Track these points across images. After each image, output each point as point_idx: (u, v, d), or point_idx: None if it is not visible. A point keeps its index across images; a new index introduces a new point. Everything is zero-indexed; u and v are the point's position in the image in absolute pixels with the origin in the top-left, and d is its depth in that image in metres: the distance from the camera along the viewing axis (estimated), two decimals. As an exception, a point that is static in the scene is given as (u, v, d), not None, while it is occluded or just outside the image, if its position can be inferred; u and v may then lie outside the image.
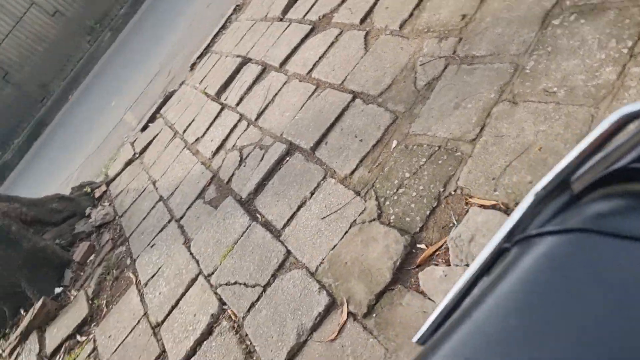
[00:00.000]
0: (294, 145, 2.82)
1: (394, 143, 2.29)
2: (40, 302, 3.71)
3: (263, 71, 3.75)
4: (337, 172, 2.43)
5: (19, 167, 9.80)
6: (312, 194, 2.46)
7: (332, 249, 2.14)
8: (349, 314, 1.89)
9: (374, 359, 1.71)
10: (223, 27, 5.22)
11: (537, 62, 2.02)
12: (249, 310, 2.28)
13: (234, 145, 3.34)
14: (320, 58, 3.23)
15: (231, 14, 5.28)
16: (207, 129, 3.81)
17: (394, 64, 2.66)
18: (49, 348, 3.40)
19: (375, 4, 3.21)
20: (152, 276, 3.05)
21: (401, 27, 2.84)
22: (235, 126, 3.49)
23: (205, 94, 4.28)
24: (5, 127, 11.15)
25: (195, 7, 7.10)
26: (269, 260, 2.38)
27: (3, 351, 3.84)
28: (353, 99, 2.70)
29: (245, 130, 3.35)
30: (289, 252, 2.32)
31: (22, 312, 4.01)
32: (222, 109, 3.84)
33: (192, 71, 5.16)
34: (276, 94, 3.36)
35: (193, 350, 2.38)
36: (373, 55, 2.84)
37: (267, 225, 2.56)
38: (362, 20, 3.17)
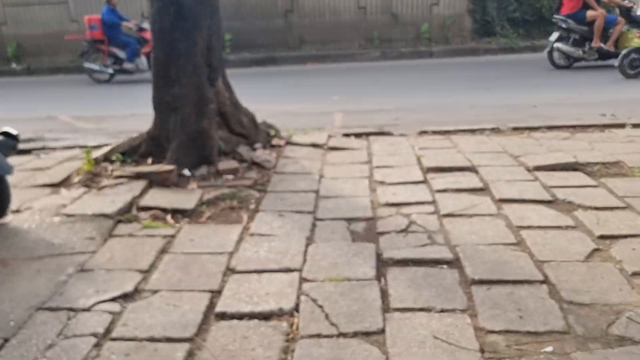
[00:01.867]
0: (457, 262, 2.72)
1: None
2: (169, 167, 3.96)
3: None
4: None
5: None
6: (442, 310, 2.34)
7: None
8: None
9: None
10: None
11: None
12: (312, 337, 2.19)
13: (408, 214, 3.32)
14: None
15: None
16: (398, 183, 3.84)
17: None
18: (144, 202, 3.60)
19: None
20: (261, 235, 3.10)
21: None
22: (424, 203, 3.48)
23: (419, 160, 4.35)
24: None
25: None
26: (362, 318, 2.28)
27: (113, 170, 4.15)
28: None
29: (426, 216, 3.31)
30: (383, 331, 2.21)
31: (149, 160, 4.32)
32: (423, 182, 3.86)
33: (418, 135, 5.30)
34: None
35: (240, 316, 2.35)
36: None
37: (383, 293, 2.47)
38: None
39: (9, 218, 3.37)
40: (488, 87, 8.12)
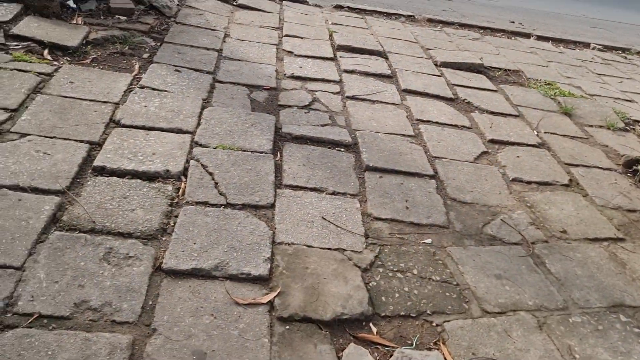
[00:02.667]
0: (355, 147, 2.70)
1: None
2: (50, -6, 3.39)
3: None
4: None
5: None
6: (333, 192, 2.34)
7: (307, 246, 2.01)
8: (270, 303, 1.76)
9: (254, 356, 1.57)
10: None
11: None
12: (198, 203, 2.10)
13: (313, 91, 3.19)
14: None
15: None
16: (307, 57, 3.66)
17: (482, 192, 2.62)
18: (17, 30, 3.10)
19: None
20: (153, 89, 2.83)
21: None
22: (330, 81, 3.35)
23: (331, 35, 4.14)
24: None
25: None
26: (253, 191, 2.22)
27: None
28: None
29: (330, 96, 3.21)
30: (273, 206, 2.17)
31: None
32: (332, 59, 3.71)
33: (333, 9, 5.02)
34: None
35: (121, 174, 2.17)
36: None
37: (278, 169, 2.41)
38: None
39: None
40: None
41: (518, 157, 2.94)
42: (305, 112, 2.93)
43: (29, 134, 2.27)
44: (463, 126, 3.16)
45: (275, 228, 2.07)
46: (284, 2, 4.84)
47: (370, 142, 2.76)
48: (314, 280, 1.88)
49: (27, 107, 2.45)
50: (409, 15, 5.24)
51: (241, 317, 1.70)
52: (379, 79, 3.57)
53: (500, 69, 4.21)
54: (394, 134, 2.90)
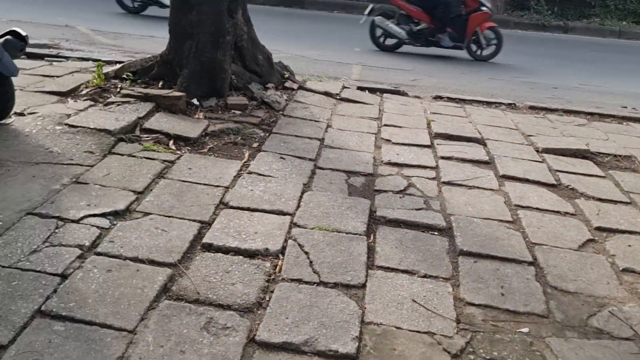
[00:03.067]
0: (449, 231, 2.71)
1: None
2: (179, 94, 3.91)
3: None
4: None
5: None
6: (425, 275, 2.34)
7: (396, 327, 2.01)
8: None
9: None
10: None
11: None
12: (292, 280, 2.21)
13: (408, 176, 3.29)
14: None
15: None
16: (404, 144, 3.80)
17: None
18: (148, 124, 3.57)
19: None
20: (259, 174, 3.09)
21: None
22: (426, 167, 3.44)
23: (429, 124, 4.28)
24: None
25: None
26: (345, 271, 2.29)
27: (122, 88, 4.10)
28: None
29: (425, 181, 3.28)
30: (364, 286, 2.22)
31: (160, 83, 4.26)
32: (429, 147, 3.81)
33: (432, 99, 5.19)
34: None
35: (225, 250, 2.37)
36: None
37: (370, 250, 2.48)
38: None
39: (11, 120, 3.36)
40: (510, 63, 7.90)
41: (630, 246, 2.75)
42: (400, 197, 3.01)
43: (151, 213, 2.57)
44: (566, 213, 3.04)
45: (365, 308, 2.11)
46: (384, 94, 5.11)
47: (465, 227, 2.75)
48: (401, 362, 1.87)
49: (151, 189, 2.79)
50: (510, 104, 5.27)
51: (327, 394, 1.72)
52: (476, 165, 3.59)
53: (609, 154, 4.03)
54: (490, 219, 2.87)
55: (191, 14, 4.07)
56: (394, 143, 3.83)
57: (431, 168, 3.45)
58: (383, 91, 5.21)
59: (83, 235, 2.32)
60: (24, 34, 3.33)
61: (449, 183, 3.26)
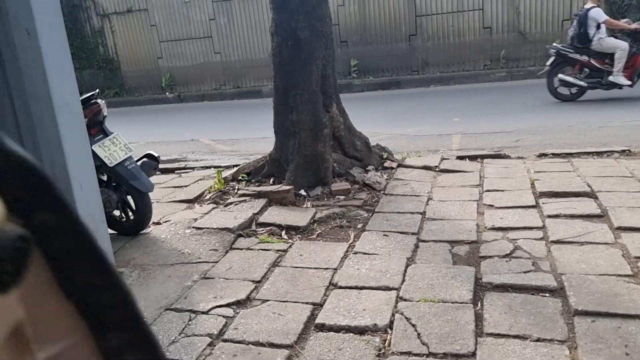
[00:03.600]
0: (561, 291, 2.62)
1: None
2: (287, 187, 4.29)
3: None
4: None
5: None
6: (538, 339, 2.29)
7: (512, 395, 1.99)
8: None
9: None
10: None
11: None
12: (402, 354, 2.28)
13: (514, 239, 3.26)
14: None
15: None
16: (507, 207, 3.77)
17: None
18: (262, 218, 3.94)
19: None
20: (365, 253, 3.26)
21: None
22: (532, 228, 3.38)
23: (532, 184, 4.21)
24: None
25: None
26: (453, 340, 2.32)
27: (238, 189, 4.58)
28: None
29: (533, 242, 3.22)
30: (474, 354, 2.23)
31: (270, 180, 4.70)
32: (534, 207, 3.75)
33: (537, 158, 5.10)
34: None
35: (337, 329, 2.52)
36: None
37: (478, 317, 2.49)
38: None
39: (150, 229, 3.90)
40: (622, 106, 7.48)
41: None
42: (506, 261, 2.99)
43: (268, 300, 2.82)
44: (696, 260, 2.80)
45: (477, 377, 2.11)
46: (485, 160, 5.12)
47: (579, 285, 2.65)
48: None
49: (268, 278, 3.07)
50: (623, 150, 4.99)
51: None
52: (587, 219, 3.45)
53: None
54: (607, 274, 2.73)
55: (292, 114, 4.53)
56: (497, 207, 3.82)
57: (538, 228, 3.38)
58: (483, 157, 5.23)
59: (212, 324, 2.61)
60: (156, 155, 3.96)
61: (558, 242, 3.17)
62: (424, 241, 3.38)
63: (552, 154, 5.11)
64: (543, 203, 3.79)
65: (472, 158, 5.24)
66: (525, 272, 2.84)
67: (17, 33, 2.67)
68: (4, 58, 2.73)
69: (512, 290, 2.69)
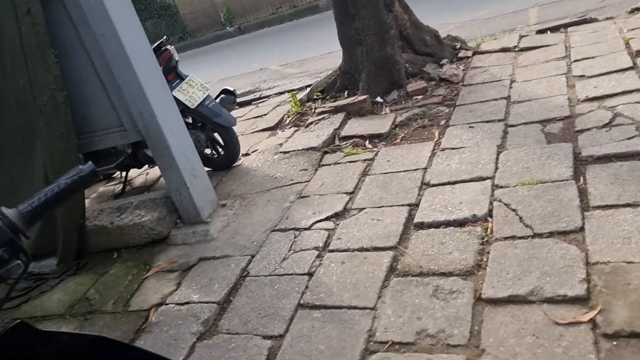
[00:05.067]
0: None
1: None
2: (362, 97, 4.25)
3: None
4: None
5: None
6: (651, 205, 2.20)
7: (627, 262, 1.96)
8: (592, 321, 1.79)
9: (581, 370, 1.64)
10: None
11: None
12: (506, 239, 2.30)
13: (613, 107, 3.05)
14: None
15: None
16: (601, 75, 3.50)
17: None
18: (344, 132, 3.97)
19: None
20: (452, 148, 3.21)
21: None
22: (632, 91, 3.14)
23: (627, 43, 3.85)
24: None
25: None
26: (558, 218, 2.29)
27: (315, 108, 4.61)
28: None
29: (634, 106, 3.00)
30: (582, 229, 2.20)
31: (345, 93, 4.67)
32: (631, 68, 3.45)
33: (628, 15, 4.61)
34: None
35: (436, 225, 2.56)
36: None
37: (582, 193, 2.42)
38: None
39: (241, 161, 4.07)
40: None
41: None
42: (606, 131, 2.83)
43: (364, 208, 2.90)
44: None
45: (588, 249, 2.09)
46: (569, 28, 4.72)
47: (691, 143, 2.47)
48: (638, 295, 1.82)
49: (360, 188, 3.14)
50: None
51: (563, 336, 1.79)
52: (695, 71, 3.14)
53: None
54: None
55: (354, 22, 4.39)
56: (588, 77, 3.56)
57: (638, 90, 3.13)
58: (567, 25, 4.81)
59: (316, 238, 2.76)
60: (232, 89, 4.05)
61: (663, 100, 2.93)
62: (512, 126, 3.26)
63: (647, 5, 4.59)
64: (641, 62, 3.48)
65: (554, 29, 4.84)
66: (629, 139, 2.68)
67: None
68: (75, 22, 2.85)
69: (617, 160, 2.56)
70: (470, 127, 3.41)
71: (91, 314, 2.76)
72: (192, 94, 3.66)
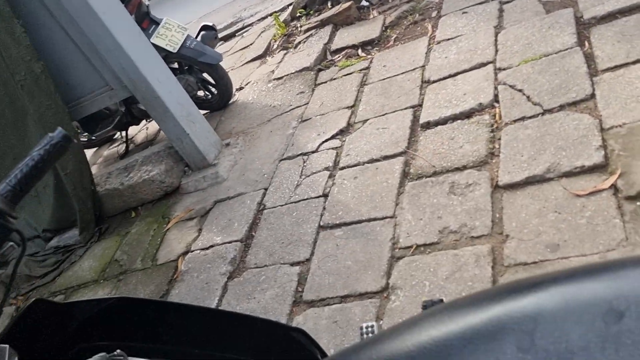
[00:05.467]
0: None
1: None
2: (347, 4, 4.03)
3: None
4: None
5: None
6: (662, 56, 2.08)
7: (643, 121, 1.89)
8: (613, 186, 1.75)
9: (608, 237, 1.62)
10: None
11: None
12: (516, 121, 2.23)
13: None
14: None
15: None
16: None
17: None
18: (334, 45, 3.81)
19: None
20: (448, 39, 3.06)
21: None
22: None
23: None
24: None
25: None
26: (567, 90, 2.20)
27: (301, 26, 4.41)
28: None
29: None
30: (592, 95, 2.11)
31: (329, 4, 4.44)
32: None
33: None
34: None
35: (443, 121, 2.49)
36: None
37: (588, 58, 2.30)
38: None
39: (236, 96, 3.98)
40: None
41: None
42: (607, -13, 2.65)
43: (368, 119, 2.83)
44: None
45: (601, 115, 2.01)
46: None
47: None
48: (658, 151, 1.77)
49: (360, 99, 3.04)
50: None
51: (585, 207, 1.76)
52: None
53: None
54: None
55: None
56: None
57: None
58: None
59: (325, 159, 2.72)
60: (211, 24, 3.87)
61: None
62: (507, 2, 3.07)
63: None
64: None
65: None
66: (631, -10, 2.51)
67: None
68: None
69: (621, 16, 2.41)
70: (463, 12, 3.23)
71: (123, 274, 2.82)
72: (171, 37, 3.51)
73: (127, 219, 3.27)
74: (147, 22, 3.54)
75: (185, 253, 2.68)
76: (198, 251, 2.64)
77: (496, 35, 2.82)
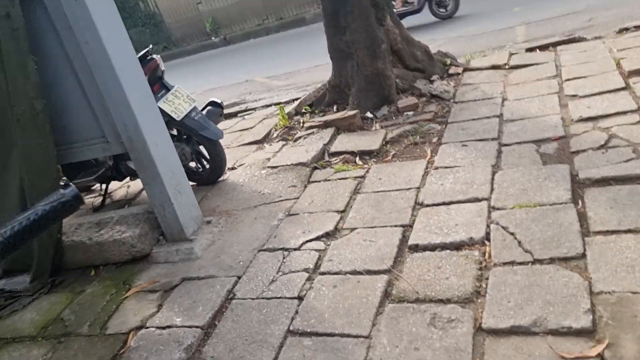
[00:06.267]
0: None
1: None
2: (352, 112, 4.16)
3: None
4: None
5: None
6: (653, 231, 2.14)
7: (632, 292, 1.89)
8: (600, 356, 1.70)
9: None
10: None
11: None
12: (505, 264, 2.22)
13: (607, 128, 3.01)
14: None
15: None
16: (593, 94, 3.48)
17: None
18: (334, 147, 3.88)
19: None
20: (446, 167, 3.14)
21: None
22: (626, 112, 3.11)
23: (618, 64, 3.84)
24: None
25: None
26: (558, 244, 2.22)
27: (304, 122, 4.51)
28: None
29: (629, 128, 2.96)
30: (584, 255, 2.13)
31: (334, 108, 4.59)
32: (624, 89, 3.43)
33: (617, 35, 4.64)
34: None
35: (432, 248, 2.47)
36: None
37: (581, 217, 2.35)
38: None
39: (227, 175, 3.95)
40: None
41: None
42: (602, 153, 2.78)
43: (356, 228, 2.80)
44: None
45: (591, 277, 2.01)
46: (558, 47, 4.72)
47: (691, 167, 2.43)
48: (647, 328, 1.75)
49: (351, 206, 3.04)
50: None
51: (570, 371, 1.70)
52: (689, 94, 3.12)
53: None
54: None
55: (345, 35, 4.32)
56: (581, 96, 3.53)
57: (632, 112, 3.11)
58: (556, 44, 4.81)
59: (306, 259, 2.64)
60: (219, 101, 3.93)
61: (659, 123, 2.90)
62: (506, 145, 3.21)
63: (635, 26, 4.62)
64: (634, 83, 3.47)
65: (544, 48, 4.85)
66: (626, 161, 2.64)
67: (65, 1, 2.63)
68: (57, 28, 2.72)
69: (615, 183, 2.51)
70: (463, 145, 3.34)
71: (65, 336, 2.60)
72: (178, 105, 3.54)
73: (86, 277, 3.07)
74: (158, 86, 3.58)
75: (139, 328, 2.49)
76: (153, 329, 2.46)
77: (493, 174, 2.90)
